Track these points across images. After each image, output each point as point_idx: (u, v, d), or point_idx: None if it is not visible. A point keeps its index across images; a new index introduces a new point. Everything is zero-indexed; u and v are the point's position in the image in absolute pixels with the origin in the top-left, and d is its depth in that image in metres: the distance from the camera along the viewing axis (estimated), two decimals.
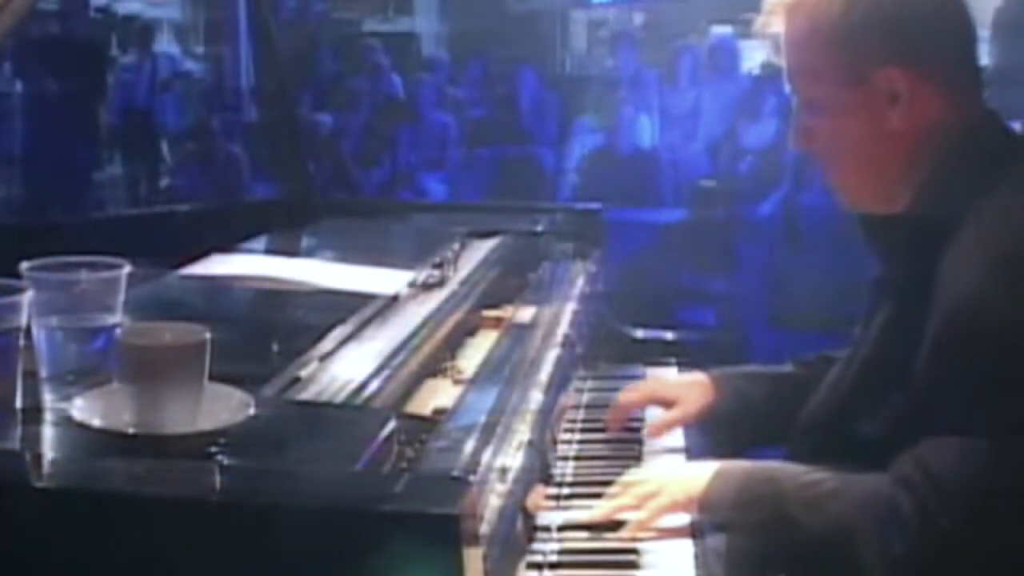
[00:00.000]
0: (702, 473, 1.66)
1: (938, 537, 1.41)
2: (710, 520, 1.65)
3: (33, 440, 1.25)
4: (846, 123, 1.62)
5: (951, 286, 1.46)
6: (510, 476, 1.45)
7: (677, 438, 2.00)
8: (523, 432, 1.59)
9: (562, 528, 1.63)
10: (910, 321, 1.52)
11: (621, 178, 6.27)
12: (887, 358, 1.60)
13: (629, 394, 2.07)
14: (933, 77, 1.58)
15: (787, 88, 1.69)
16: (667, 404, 2.01)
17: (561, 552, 1.58)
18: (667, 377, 2.10)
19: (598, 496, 1.71)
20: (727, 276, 5.59)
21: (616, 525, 1.64)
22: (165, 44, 9.19)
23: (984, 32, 4.66)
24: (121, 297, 1.42)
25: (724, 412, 1.95)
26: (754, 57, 7.18)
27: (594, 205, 2.99)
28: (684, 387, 2.03)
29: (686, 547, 1.61)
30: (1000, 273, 1.45)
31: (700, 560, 1.59)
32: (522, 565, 1.50)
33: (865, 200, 1.68)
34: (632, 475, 1.76)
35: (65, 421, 1.25)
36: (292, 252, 2.32)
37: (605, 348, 2.50)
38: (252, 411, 1.26)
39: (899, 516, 1.43)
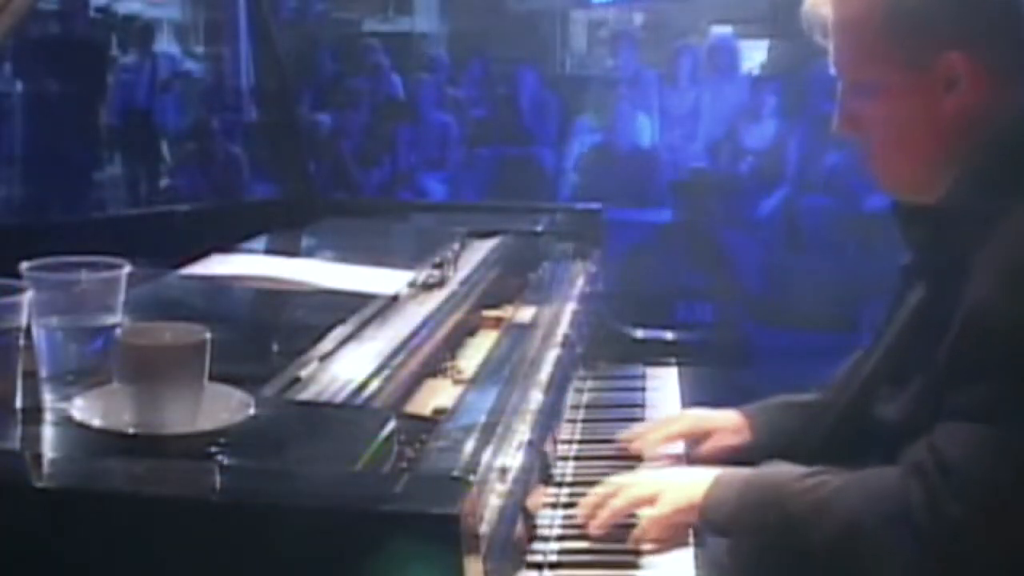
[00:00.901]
0: (701, 480, 1.64)
1: (948, 525, 1.40)
2: (712, 527, 1.62)
3: (33, 440, 1.25)
4: (898, 107, 1.58)
5: (979, 281, 1.45)
6: (510, 476, 1.45)
7: (677, 445, 1.97)
8: (523, 432, 1.59)
9: (562, 538, 1.62)
10: (937, 309, 1.51)
11: (621, 178, 6.27)
12: (911, 344, 1.58)
13: (669, 427, 1.97)
14: (988, 65, 1.55)
15: (832, 70, 1.65)
16: (702, 437, 1.94)
17: (561, 552, 1.58)
18: (704, 416, 1.98)
19: None
20: (727, 276, 5.59)
21: (619, 531, 1.63)
22: (165, 44, 9.19)
23: None
24: (121, 297, 1.42)
25: (762, 449, 1.85)
26: (754, 57, 7.20)
27: (594, 205, 2.99)
28: (720, 422, 1.94)
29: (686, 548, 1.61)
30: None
31: (700, 560, 1.59)
32: (522, 565, 1.50)
33: (905, 186, 1.65)
34: (625, 477, 1.72)
35: (65, 421, 1.25)
36: (292, 252, 2.32)
37: (605, 348, 2.50)
38: (252, 411, 1.26)
39: (908, 504, 1.42)
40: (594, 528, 1.62)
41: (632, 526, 1.62)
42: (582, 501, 1.67)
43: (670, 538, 1.61)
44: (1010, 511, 1.41)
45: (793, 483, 1.57)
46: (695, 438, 1.94)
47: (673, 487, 1.65)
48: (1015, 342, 1.42)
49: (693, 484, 1.64)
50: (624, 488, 1.66)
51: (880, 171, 1.66)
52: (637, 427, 1.99)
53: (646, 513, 1.62)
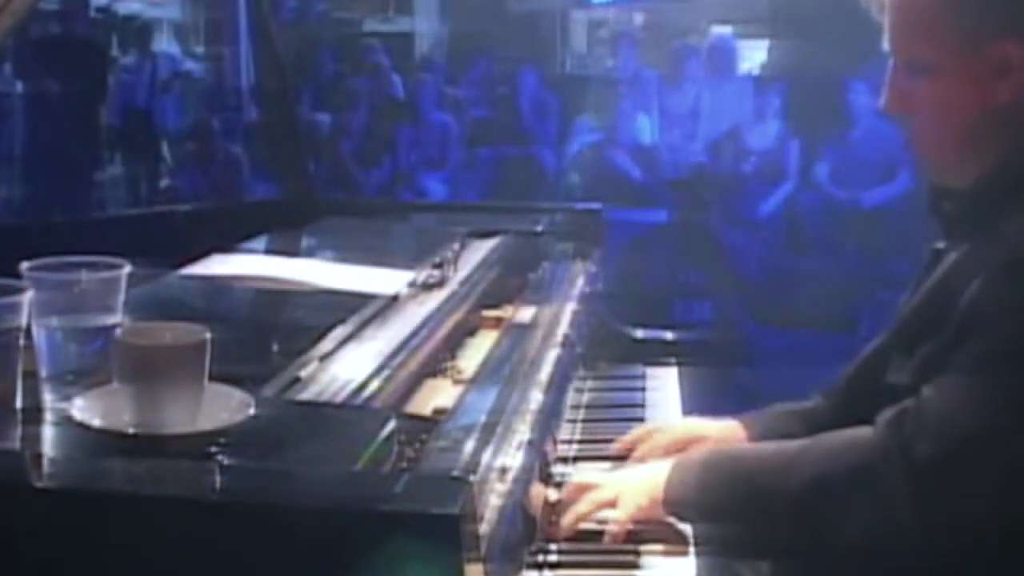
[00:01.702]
0: (659, 471, 1.62)
1: (917, 466, 1.40)
2: (678, 514, 1.60)
3: (33, 440, 1.25)
4: (951, 89, 1.57)
5: (1002, 253, 1.46)
6: (510, 476, 1.45)
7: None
8: (523, 432, 1.59)
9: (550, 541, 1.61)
10: (954, 282, 1.51)
11: (621, 178, 6.28)
12: (925, 315, 1.58)
13: (662, 437, 1.89)
14: None
15: (885, 46, 1.64)
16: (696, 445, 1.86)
17: (561, 552, 1.58)
18: (699, 423, 1.94)
19: None
20: (727, 276, 5.59)
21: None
22: (165, 44, 9.19)
23: None
24: (121, 297, 1.42)
25: None
26: (754, 57, 7.20)
27: (594, 205, 2.99)
28: (715, 432, 1.87)
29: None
30: None
31: (700, 560, 1.58)
32: (522, 565, 1.50)
33: (950, 169, 1.63)
34: (584, 478, 1.70)
35: (65, 421, 1.25)
36: (292, 252, 2.32)
37: (605, 348, 2.50)
38: (252, 411, 1.26)
39: (879, 451, 1.43)
40: (560, 533, 1.61)
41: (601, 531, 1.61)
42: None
43: (645, 535, 1.59)
44: (982, 459, 1.40)
45: (754, 452, 1.57)
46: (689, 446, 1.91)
47: (632, 486, 1.62)
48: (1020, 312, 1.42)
49: (652, 478, 1.62)
50: (586, 492, 1.64)
51: (926, 153, 1.65)
52: (630, 434, 1.93)
53: (611, 516, 1.60)
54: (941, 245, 1.66)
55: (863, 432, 1.48)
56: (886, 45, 1.64)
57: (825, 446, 1.51)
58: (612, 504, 1.61)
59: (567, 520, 1.62)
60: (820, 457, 1.50)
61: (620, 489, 1.62)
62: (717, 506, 1.57)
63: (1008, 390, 1.40)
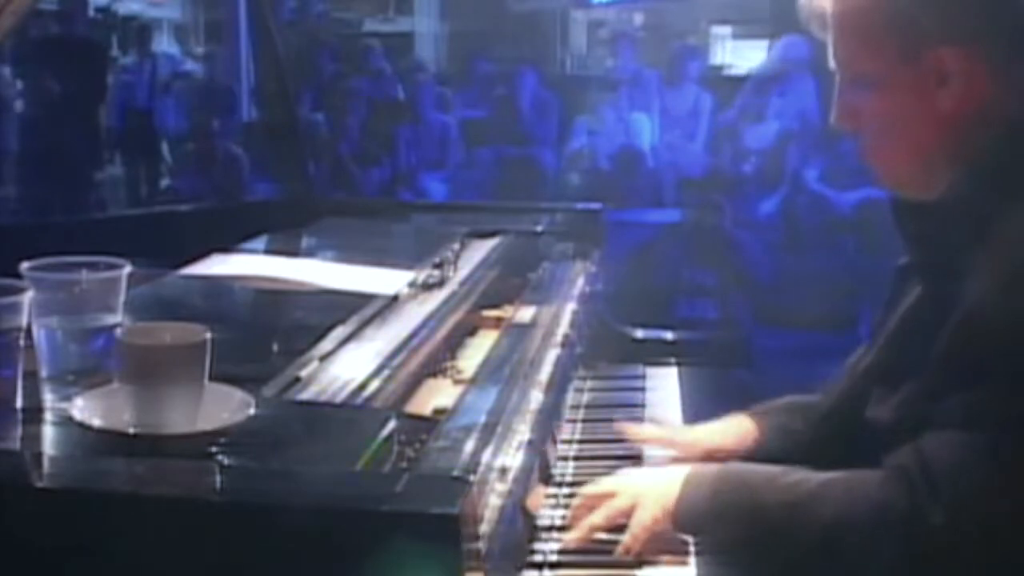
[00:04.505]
0: (672, 482, 1.61)
1: (930, 533, 1.39)
2: (686, 531, 1.59)
3: (33, 440, 1.25)
4: (894, 101, 1.57)
5: (975, 283, 1.43)
6: (510, 476, 1.45)
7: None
8: (523, 432, 1.59)
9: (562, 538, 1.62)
10: (931, 310, 1.50)
11: (620, 178, 6.28)
12: (905, 345, 1.57)
13: (672, 438, 1.93)
14: (987, 61, 1.53)
15: (830, 64, 1.63)
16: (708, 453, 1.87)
17: (561, 552, 1.58)
18: (705, 428, 1.92)
19: None
20: (726, 276, 5.59)
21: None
22: (165, 44, 9.21)
23: None
24: (121, 297, 1.42)
25: (769, 452, 1.80)
26: (754, 57, 7.21)
27: (594, 205, 2.99)
28: (725, 436, 1.88)
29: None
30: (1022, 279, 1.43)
31: (701, 560, 1.58)
32: (522, 565, 1.50)
33: (903, 182, 1.63)
34: (598, 485, 1.68)
35: (65, 421, 1.25)
36: (292, 252, 2.32)
37: (605, 348, 2.50)
38: (252, 411, 1.26)
39: (891, 509, 1.42)
40: (573, 543, 1.60)
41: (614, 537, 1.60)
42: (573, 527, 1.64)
43: (657, 547, 1.58)
44: (994, 522, 1.40)
45: (768, 484, 1.55)
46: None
47: (648, 495, 1.61)
48: (1010, 348, 1.40)
49: (666, 487, 1.61)
50: (601, 500, 1.63)
51: (878, 166, 1.64)
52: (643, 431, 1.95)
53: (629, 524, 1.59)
54: (905, 261, 1.66)
55: (874, 487, 1.46)
56: (831, 62, 1.64)
57: (839, 493, 1.50)
58: (628, 513, 1.60)
59: (581, 531, 1.60)
60: (833, 504, 1.49)
61: (636, 499, 1.61)
62: (726, 531, 1.56)
63: (1013, 447, 1.39)
